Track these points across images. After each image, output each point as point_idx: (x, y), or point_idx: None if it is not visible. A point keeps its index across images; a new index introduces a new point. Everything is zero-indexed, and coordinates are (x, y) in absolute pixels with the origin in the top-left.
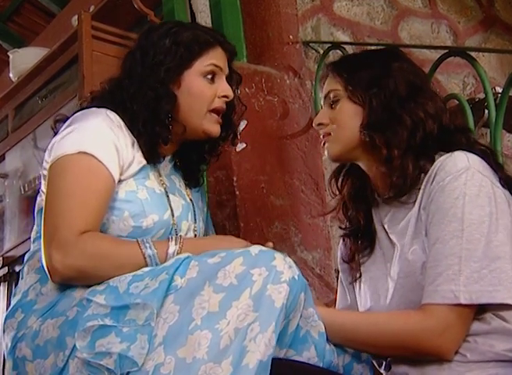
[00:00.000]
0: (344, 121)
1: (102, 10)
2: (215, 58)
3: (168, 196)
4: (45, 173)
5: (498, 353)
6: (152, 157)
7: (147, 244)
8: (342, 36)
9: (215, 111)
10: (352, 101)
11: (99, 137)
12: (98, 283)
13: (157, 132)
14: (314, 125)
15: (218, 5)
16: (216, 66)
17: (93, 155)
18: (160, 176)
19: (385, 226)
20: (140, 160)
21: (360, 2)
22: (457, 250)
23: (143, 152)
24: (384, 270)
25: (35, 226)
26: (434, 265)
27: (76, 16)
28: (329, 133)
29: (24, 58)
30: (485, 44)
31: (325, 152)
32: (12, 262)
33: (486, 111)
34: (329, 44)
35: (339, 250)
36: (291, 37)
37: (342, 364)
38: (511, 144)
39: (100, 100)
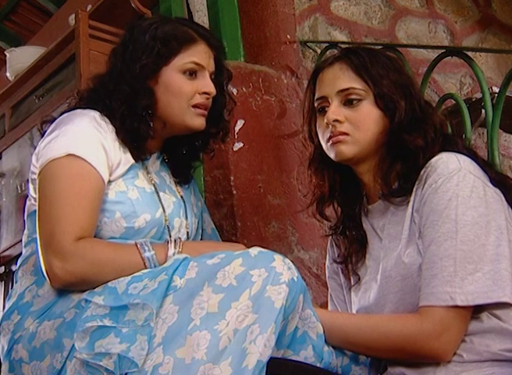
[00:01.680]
0: (368, 125)
1: (99, 9)
2: (195, 55)
3: (158, 194)
4: (34, 177)
5: (494, 353)
6: (138, 153)
7: (146, 248)
8: (339, 35)
9: (196, 106)
10: (377, 104)
11: (87, 139)
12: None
13: (135, 127)
14: (328, 120)
15: (215, 5)
16: (197, 63)
17: (82, 158)
18: (149, 173)
19: (379, 232)
20: (128, 160)
21: (357, 2)
22: (452, 251)
23: (129, 150)
24: (377, 278)
25: (26, 231)
26: (429, 267)
27: (73, 15)
28: (347, 134)
29: (21, 57)
30: (482, 43)
31: (335, 151)
32: (9, 261)
33: (483, 111)
34: (327, 44)
35: (327, 260)
36: (288, 36)
37: (340, 365)
38: (508, 143)
39: (86, 99)
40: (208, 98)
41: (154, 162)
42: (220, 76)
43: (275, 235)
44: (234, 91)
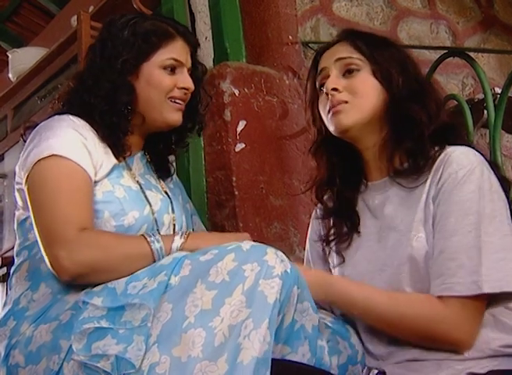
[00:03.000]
0: (366, 91)
1: (101, 10)
2: (175, 51)
3: (144, 192)
4: (20, 186)
5: (495, 349)
6: (118, 150)
7: (154, 238)
8: None
9: (173, 99)
10: (374, 75)
11: (68, 140)
12: (96, 285)
13: (115, 122)
14: (327, 89)
15: (217, 5)
16: (176, 60)
17: (67, 158)
18: (133, 173)
19: (372, 210)
20: (110, 160)
21: (359, 3)
22: (476, 242)
23: (109, 147)
24: (369, 256)
25: (17, 241)
26: (454, 257)
27: (75, 16)
28: (346, 101)
29: (23, 59)
30: (484, 44)
31: (334, 123)
32: (11, 262)
33: (485, 111)
34: None
35: (310, 231)
36: (290, 37)
37: (336, 364)
38: (510, 144)
39: (66, 99)
40: (185, 93)
41: (137, 164)
42: (196, 71)
43: (277, 236)
44: (236, 91)
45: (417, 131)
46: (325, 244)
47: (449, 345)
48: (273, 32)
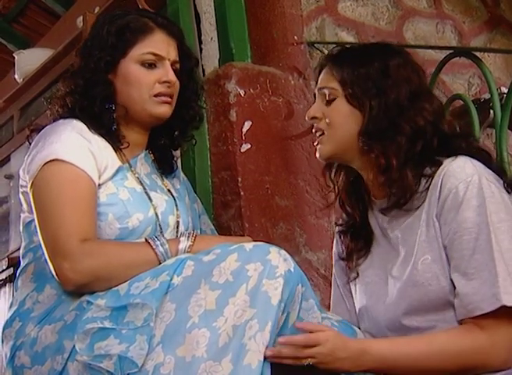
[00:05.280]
0: (339, 122)
1: (107, 11)
2: (153, 45)
3: (148, 193)
4: (24, 190)
5: None
6: (112, 140)
7: (158, 242)
8: (346, 36)
9: (157, 95)
10: (349, 103)
11: (73, 145)
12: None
13: (97, 114)
14: (307, 118)
15: (222, 6)
16: (154, 54)
17: (71, 163)
18: (137, 175)
19: (386, 231)
20: (115, 162)
21: (364, 3)
22: (492, 255)
23: (102, 136)
24: (382, 275)
25: (23, 243)
26: (477, 276)
27: (81, 17)
28: (322, 132)
29: (29, 60)
30: (490, 44)
31: (317, 152)
32: (18, 263)
33: (491, 111)
34: (334, 45)
35: (334, 247)
36: (296, 37)
37: None
38: None
39: (57, 103)
40: (169, 87)
41: (142, 164)
42: (187, 63)
43: (283, 236)
44: (241, 92)
45: (384, 167)
46: (348, 261)
47: (496, 369)
48: (278, 32)
